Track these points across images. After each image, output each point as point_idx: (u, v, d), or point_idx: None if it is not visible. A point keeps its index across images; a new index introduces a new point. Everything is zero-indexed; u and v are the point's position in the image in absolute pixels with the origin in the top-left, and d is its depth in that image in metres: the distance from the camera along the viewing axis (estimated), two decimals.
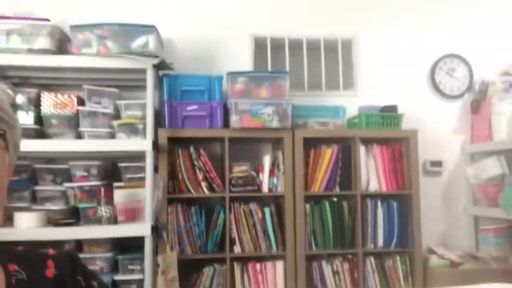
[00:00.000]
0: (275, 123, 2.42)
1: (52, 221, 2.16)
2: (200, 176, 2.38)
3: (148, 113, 2.21)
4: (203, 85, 2.42)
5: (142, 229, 2.13)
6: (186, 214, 2.36)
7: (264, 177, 2.45)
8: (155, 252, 2.19)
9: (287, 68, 2.79)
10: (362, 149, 2.56)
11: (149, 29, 2.26)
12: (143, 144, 2.17)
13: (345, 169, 2.54)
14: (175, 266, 2.18)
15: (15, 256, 0.65)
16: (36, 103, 2.29)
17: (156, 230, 2.17)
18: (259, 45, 2.82)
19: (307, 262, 2.41)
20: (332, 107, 2.73)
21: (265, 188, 2.43)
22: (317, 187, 2.48)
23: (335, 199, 2.51)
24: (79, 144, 2.19)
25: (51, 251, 0.70)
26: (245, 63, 2.75)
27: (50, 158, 2.38)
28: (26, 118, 2.26)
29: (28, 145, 2.13)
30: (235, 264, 2.36)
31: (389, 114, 2.65)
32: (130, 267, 2.27)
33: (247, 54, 2.78)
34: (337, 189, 2.51)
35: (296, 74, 2.82)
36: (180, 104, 2.37)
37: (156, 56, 2.25)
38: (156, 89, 2.36)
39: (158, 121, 2.38)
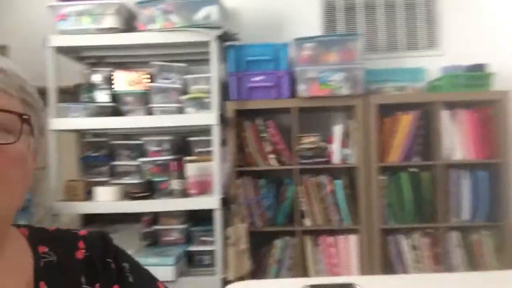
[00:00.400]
0: (345, 90, 2.28)
1: (129, 194, 2.27)
2: (268, 149, 2.34)
3: (213, 86, 2.19)
4: (269, 54, 2.34)
5: (211, 202, 2.15)
6: (255, 187, 2.35)
7: (335, 148, 2.34)
8: (226, 224, 2.21)
9: (360, 30, 2.60)
10: (445, 114, 2.33)
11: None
12: (210, 118, 2.16)
13: (426, 137, 2.34)
14: (245, 238, 2.19)
15: (46, 237, 0.64)
16: (110, 82, 2.37)
17: (225, 202, 2.18)
18: (330, 7, 2.64)
19: (382, 237, 2.30)
20: (411, 69, 2.51)
21: (336, 160, 2.33)
22: (394, 157, 2.32)
23: (414, 169, 2.33)
24: (149, 120, 2.23)
25: (82, 232, 0.69)
26: (315, 28, 2.61)
27: (126, 134, 2.47)
28: (102, 97, 2.37)
29: (104, 122, 2.23)
30: (305, 237, 2.32)
31: (477, 74, 2.37)
32: (203, 238, 2.32)
33: (316, 18, 2.62)
34: (417, 159, 2.32)
35: (370, 35, 2.62)
36: (245, 75, 2.32)
37: (219, 27, 2.21)
38: (222, 61, 2.33)
39: (225, 94, 2.35)
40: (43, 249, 0.61)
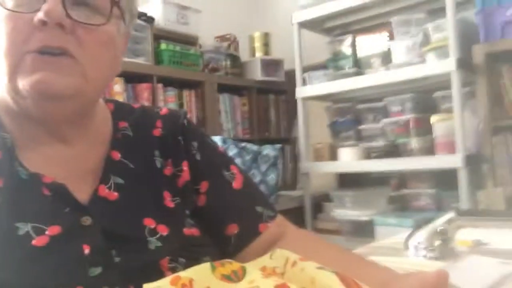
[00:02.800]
0: None
1: (370, 154, 2.25)
2: None
3: (449, 27, 1.92)
4: None
5: (454, 160, 1.89)
6: None
7: None
8: (478, 188, 1.90)
9: None
10: None
11: None
12: (448, 64, 1.91)
13: None
14: (500, 205, 1.81)
15: (128, 114, 0.67)
16: (353, 48, 2.42)
17: (472, 161, 1.87)
18: None
19: None
20: None
21: None
22: None
23: None
24: (386, 75, 2.15)
25: (163, 111, 0.70)
26: None
27: (371, 99, 2.44)
28: (346, 63, 2.44)
29: (344, 85, 2.28)
30: None
31: None
32: (454, 204, 2.06)
33: None
34: None
35: None
36: (495, 11, 1.92)
37: None
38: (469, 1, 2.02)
39: (472, 38, 2.02)
40: (123, 124, 0.65)
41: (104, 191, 0.58)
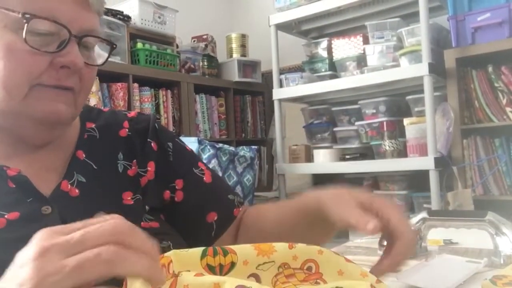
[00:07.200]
0: None
1: (344, 156, 2.29)
2: (504, 100, 1.93)
3: (422, 32, 1.96)
4: None
5: (425, 162, 1.94)
6: (489, 148, 1.97)
7: None
8: (448, 189, 1.95)
9: None
10: None
11: None
12: (420, 68, 1.95)
13: None
14: (469, 206, 1.87)
15: (97, 116, 0.70)
16: (329, 51, 2.45)
17: (442, 163, 1.93)
18: None
19: None
20: None
21: None
22: None
23: None
24: (360, 79, 2.18)
25: (132, 113, 0.73)
26: None
27: (346, 101, 2.48)
28: (321, 66, 2.48)
29: (320, 87, 2.30)
30: None
31: None
32: (425, 205, 2.11)
33: None
34: None
35: None
36: (467, 16, 1.99)
37: None
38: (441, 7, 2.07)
39: (444, 43, 2.08)
40: (90, 125, 0.68)
41: (67, 186, 0.60)
